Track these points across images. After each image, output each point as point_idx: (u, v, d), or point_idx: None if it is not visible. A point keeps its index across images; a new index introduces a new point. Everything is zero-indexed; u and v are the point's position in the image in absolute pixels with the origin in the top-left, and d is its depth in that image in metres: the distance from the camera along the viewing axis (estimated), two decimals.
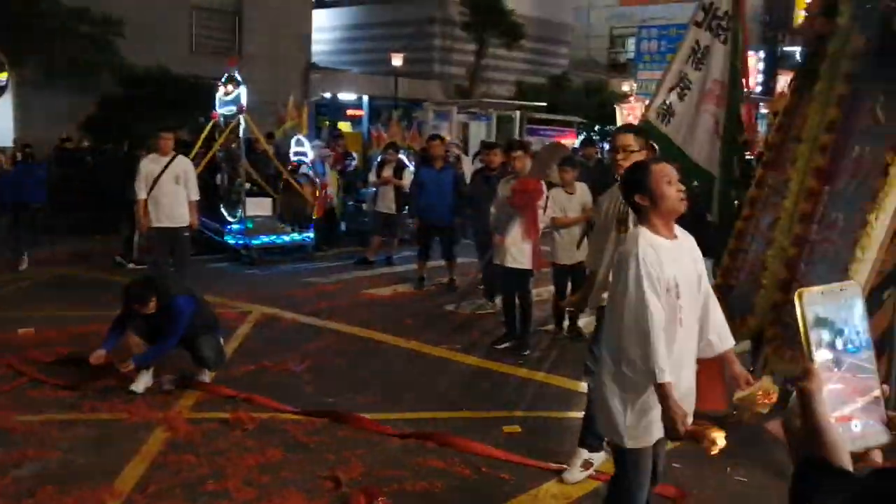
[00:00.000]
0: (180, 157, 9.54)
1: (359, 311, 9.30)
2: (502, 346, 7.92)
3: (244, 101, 12.25)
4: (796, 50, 38.19)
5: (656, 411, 3.39)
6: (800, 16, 31.68)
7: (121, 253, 11.85)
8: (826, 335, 1.18)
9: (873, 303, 5.24)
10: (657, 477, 3.82)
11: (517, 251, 7.76)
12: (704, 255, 3.75)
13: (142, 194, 9.23)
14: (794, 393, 1.17)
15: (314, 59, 24.37)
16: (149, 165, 9.33)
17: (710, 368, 6.14)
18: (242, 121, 12.23)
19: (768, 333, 5.63)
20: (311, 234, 13.06)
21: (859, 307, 1.21)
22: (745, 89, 7.72)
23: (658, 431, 3.48)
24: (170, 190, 9.20)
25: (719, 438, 3.37)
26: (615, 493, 3.74)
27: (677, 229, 3.57)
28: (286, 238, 12.84)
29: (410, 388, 6.60)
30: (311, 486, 4.76)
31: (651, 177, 3.48)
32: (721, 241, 6.29)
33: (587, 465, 5.00)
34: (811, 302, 1.18)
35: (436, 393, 6.58)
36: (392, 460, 5.16)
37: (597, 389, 3.75)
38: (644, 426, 3.48)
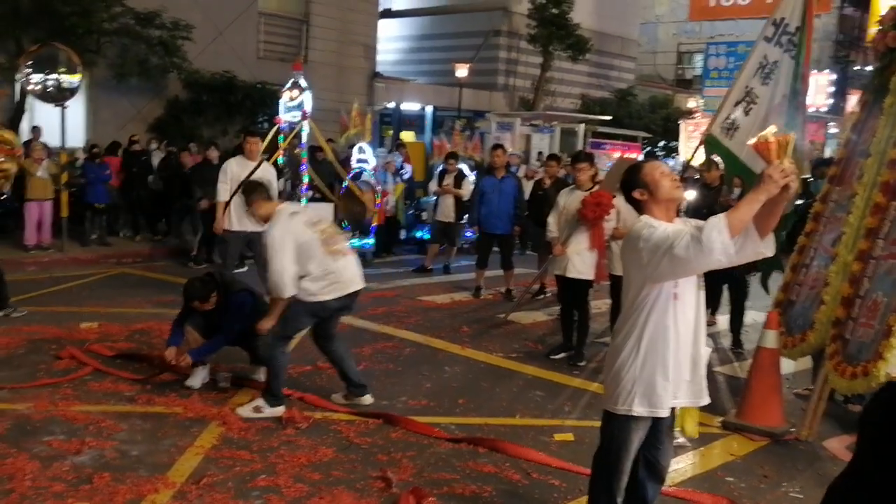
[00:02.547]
0: (266, 164, 9.40)
1: (415, 317, 9.33)
2: (557, 356, 7.89)
3: (308, 107, 12.36)
4: (868, 69, 37.41)
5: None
6: (872, 35, 30.96)
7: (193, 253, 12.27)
8: None
9: None
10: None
11: (580, 262, 7.72)
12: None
13: (224, 196, 9.02)
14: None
15: (379, 68, 24.52)
16: (235, 168, 9.16)
17: (765, 384, 6.05)
18: (306, 127, 12.35)
19: (829, 349, 5.52)
20: (371, 241, 13.16)
21: None
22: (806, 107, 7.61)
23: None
24: None
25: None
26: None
27: (678, 220, 3.72)
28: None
29: (463, 394, 6.59)
30: (362, 485, 4.79)
31: (644, 171, 3.71)
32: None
33: (258, 409, 5.89)
34: None
35: (489, 399, 6.56)
36: (443, 463, 5.17)
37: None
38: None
